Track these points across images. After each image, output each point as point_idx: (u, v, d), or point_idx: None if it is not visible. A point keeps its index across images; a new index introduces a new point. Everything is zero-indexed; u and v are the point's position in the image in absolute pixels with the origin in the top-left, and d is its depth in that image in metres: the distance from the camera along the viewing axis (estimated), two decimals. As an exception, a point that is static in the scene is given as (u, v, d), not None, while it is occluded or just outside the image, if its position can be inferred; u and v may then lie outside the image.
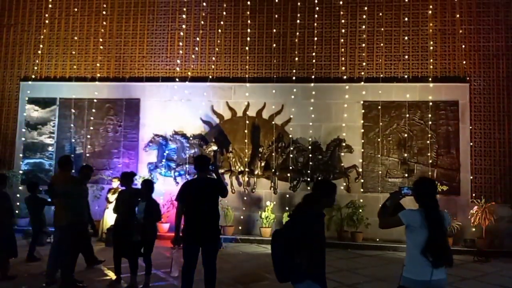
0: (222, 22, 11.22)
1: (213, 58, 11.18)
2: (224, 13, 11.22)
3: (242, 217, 10.45)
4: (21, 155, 11.41)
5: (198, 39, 11.26)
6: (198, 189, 4.68)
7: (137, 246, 5.51)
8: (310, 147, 10.43)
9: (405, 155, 10.18)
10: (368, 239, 9.65)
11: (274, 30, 11.02)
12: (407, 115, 10.25)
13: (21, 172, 11.29)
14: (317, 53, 10.83)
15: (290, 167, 10.43)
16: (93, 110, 11.28)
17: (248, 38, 11.07)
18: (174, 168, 10.78)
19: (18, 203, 10.73)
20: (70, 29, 11.77)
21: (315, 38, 10.85)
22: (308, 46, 10.88)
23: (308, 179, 10.33)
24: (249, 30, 11.09)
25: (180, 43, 11.29)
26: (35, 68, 11.70)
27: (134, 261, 5.58)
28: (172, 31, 11.41)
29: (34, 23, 11.92)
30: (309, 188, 10.29)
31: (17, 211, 10.71)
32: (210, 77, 11.10)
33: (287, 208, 10.16)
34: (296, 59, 10.85)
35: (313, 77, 10.72)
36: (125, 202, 5.78)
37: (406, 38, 10.52)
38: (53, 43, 11.80)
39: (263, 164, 10.52)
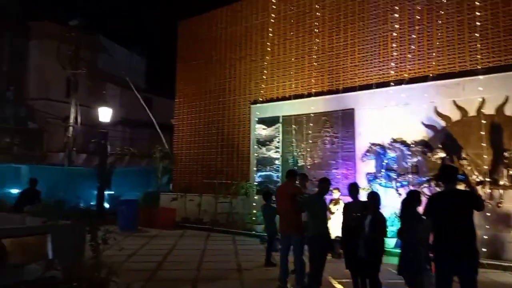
0: (442, 12, 9.86)
1: (433, 54, 9.91)
2: (445, 0, 9.83)
3: (485, 237, 8.60)
4: (254, 168, 13.06)
5: (413, 36, 10.25)
6: (449, 203, 4.03)
7: (364, 262, 5.16)
8: None
9: None
10: None
11: (514, 5, 8.87)
12: None
13: (255, 183, 12.90)
14: None
15: (554, 176, 7.98)
16: (311, 124, 11.82)
17: (478, 23, 9.30)
18: (395, 178, 9.98)
19: (254, 211, 12.28)
20: (288, 52, 12.85)
21: None
22: None
23: None
24: (477, 13, 9.31)
25: (393, 45, 10.55)
26: (261, 91, 13.28)
27: (372, 279, 5.24)
28: (384, 34, 10.82)
29: (259, 52, 13.65)
30: None
31: (253, 218, 12.27)
32: (431, 75, 9.87)
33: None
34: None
35: None
36: (353, 215, 5.57)
37: None
38: (274, 67, 13.15)
39: (510, 172, 8.45)
